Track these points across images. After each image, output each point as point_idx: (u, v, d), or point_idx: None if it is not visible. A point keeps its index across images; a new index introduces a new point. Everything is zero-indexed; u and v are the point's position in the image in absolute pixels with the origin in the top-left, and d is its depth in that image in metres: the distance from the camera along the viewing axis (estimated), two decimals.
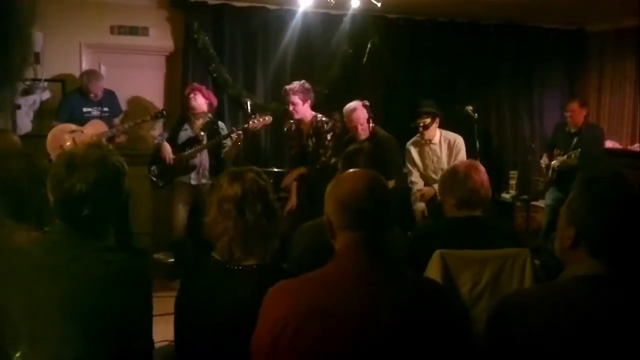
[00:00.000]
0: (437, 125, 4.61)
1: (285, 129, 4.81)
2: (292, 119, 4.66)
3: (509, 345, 1.32)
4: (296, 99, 4.47)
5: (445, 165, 4.52)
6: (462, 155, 4.57)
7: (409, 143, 4.77)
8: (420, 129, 4.58)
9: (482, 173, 2.52)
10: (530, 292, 1.57)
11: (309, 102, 4.55)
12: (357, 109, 4.33)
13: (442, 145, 4.63)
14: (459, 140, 4.64)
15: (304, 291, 1.43)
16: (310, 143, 4.56)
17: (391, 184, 4.21)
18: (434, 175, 4.63)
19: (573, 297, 1.31)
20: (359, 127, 4.30)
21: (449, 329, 1.42)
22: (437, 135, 4.62)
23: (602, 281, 1.31)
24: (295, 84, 4.51)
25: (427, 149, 4.67)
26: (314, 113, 4.61)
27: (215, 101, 5.03)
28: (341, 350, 1.35)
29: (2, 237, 2.01)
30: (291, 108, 4.50)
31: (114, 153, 1.64)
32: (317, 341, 1.35)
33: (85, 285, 1.43)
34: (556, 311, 1.29)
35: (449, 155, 4.59)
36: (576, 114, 5.20)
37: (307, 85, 4.54)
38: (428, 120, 4.55)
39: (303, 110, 4.53)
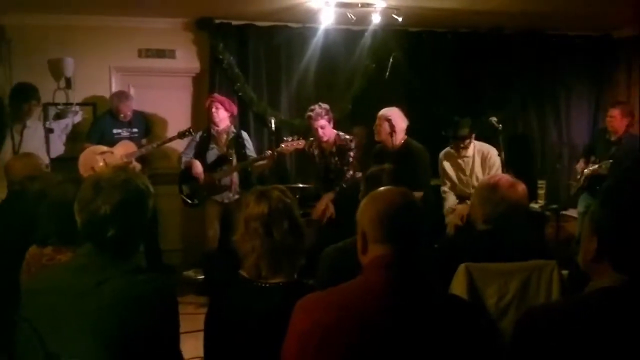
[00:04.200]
0: (471, 139, 4.61)
1: (306, 148, 4.88)
2: (319, 140, 4.72)
3: (533, 356, 1.32)
4: (324, 121, 4.59)
5: (478, 177, 4.51)
6: (497, 168, 4.52)
7: (441, 154, 4.75)
8: (461, 150, 4.59)
9: (521, 192, 2.50)
10: (554, 305, 1.57)
11: (332, 121, 4.68)
12: (395, 112, 4.36)
13: (476, 158, 4.59)
14: (493, 153, 4.59)
15: (331, 302, 1.46)
16: (333, 161, 4.61)
17: (418, 195, 4.24)
18: (466, 189, 4.60)
19: (597, 310, 1.30)
20: (389, 130, 4.29)
21: (474, 345, 1.43)
22: (471, 147, 4.59)
23: (625, 294, 1.30)
24: (317, 108, 4.60)
25: (459, 161, 4.65)
26: (335, 131, 4.68)
27: (235, 110, 5.13)
28: None
29: (40, 256, 2.10)
30: (320, 132, 4.60)
31: (140, 176, 1.70)
32: (342, 351, 1.38)
33: (112, 307, 1.48)
34: (580, 324, 1.28)
35: (483, 167, 4.55)
36: (616, 121, 5.07)
37: (327, 105, 4.67)
38: (467, 141, 4.56)
39: (329, 130, 4.64)
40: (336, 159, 4.61)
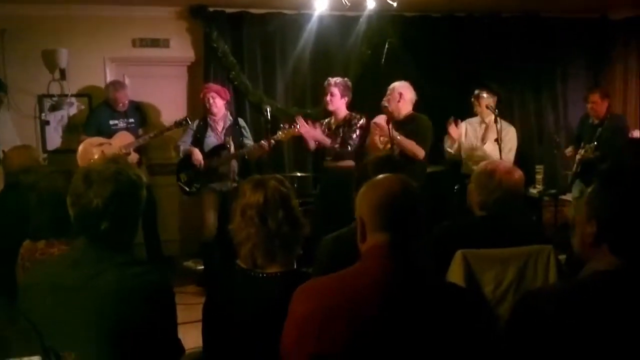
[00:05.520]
0: (493, 104, 4.81)
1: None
2: (325, 106, 4.77)
3: (530, 342, 1.32)
4: (335, 90, 4.62)
5: (486, 144, 4.77)
6: (511, 144, 4.77)
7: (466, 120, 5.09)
8: (473, 99, 4.86)
9: (517, 178, 2.50)
10: (550, 289, 1.57)
11: (346, 98, 4.68)
12: (405, 84, 4.55)
13: (491, 127, 4.74)
14: (510, 129, 4.87)
15: (331, 288, 1.47)
16: (339, 132, 4.64)
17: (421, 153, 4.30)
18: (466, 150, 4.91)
19: (593, 293, 1.30)
20: (398, 98, 4.46)
21: (471, 332, 1.43)
22: (491, 118, 4.74)
23: (622, 276, 1.31)
24: (338, 78, 4.70)
25: (477, 127, 4.90)
26: (347, 111, 4.70)
27: (228, 95, 5.13)
28: (363, 348, 1.38)
29: (33, 251, 2.10)
30: (328, 98, 4.64)
31: (131, 166, 1.69)
32: (342, 337, 1.38)
33: (107, 300, 1.48)
34: (577, 308, 1.29)
35: (494, 137, 4.63)
36: (597, 106, 5.18)
37: (349, 82, 4.72)
38: (484, 94, 4.78)
39: (339, 103, 4.65)
40: (340, 130, 4.63)
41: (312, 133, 4.68)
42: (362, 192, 1.56)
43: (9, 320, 1.63)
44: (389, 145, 4.29)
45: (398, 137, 4.24)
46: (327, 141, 4.62)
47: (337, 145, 4.57)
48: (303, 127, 4.66)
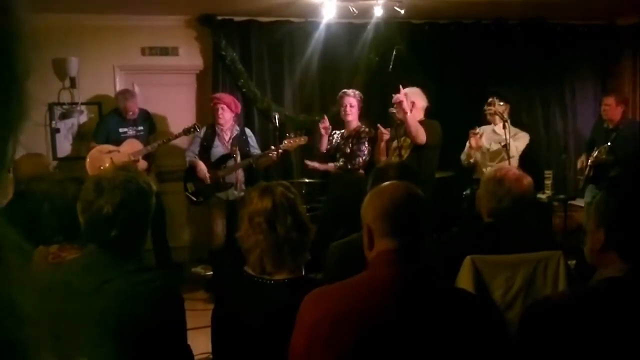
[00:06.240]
0: (503, 111, 4.88)
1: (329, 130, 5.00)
2: (343, 117, 4.86)
3: (540, 348, 1.32)
4: (354, 101, 4.75)
5: (496, 147, 4.87)
6: (520, 143, 4.93)
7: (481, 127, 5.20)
8: (485, 106, 4.98)
9: (526, 185, 2.47)
10: (560, 296, 1.57)
11: (359, 110, 4.80)
12: (416, 90, 4.56)
13: (500, 133, 4.80)
14: (522, 134, 5.03)
15: (338, 297, 1.47)
16: (348, 144, 4.69)
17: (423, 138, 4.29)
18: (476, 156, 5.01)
19: (602, 300, 1.30)
20: (410, 106, 4.40)
21: (481, 337, 1.42)
22: (501, 125, 4.81)
23: (631, 283, 1.30)
24: (351, 90, 4.82)
25: (490, 134, 5.01)
26: (359, 123, 4.79)
27: (239, 108, 5.16)
28: (373, 355, 1.38)
29: (46, 255, 2.12)
30: (348, 109, 4.74)
31: (141, 174, 1.71)
32: (351, 344, 1.38)
33: (117, 306, 1.49)
34: (586, 315, 1.28)
35: (503, 143, 4.72)
36: (611, 109, 5.15)
37: (361, 94, 4.84)
38: (497, 101, 4.90)
39: (355, 114, 4.75)
40: (351, 144, 4.69)
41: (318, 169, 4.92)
42: (367, 201, 1.57)
43: (19, 326, 1.64)
44: (397, 152, 4.29)
45: (409, 114, 4.23)
46: (331, 167, 4.81)
47: (338, 168, 4.72)
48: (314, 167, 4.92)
